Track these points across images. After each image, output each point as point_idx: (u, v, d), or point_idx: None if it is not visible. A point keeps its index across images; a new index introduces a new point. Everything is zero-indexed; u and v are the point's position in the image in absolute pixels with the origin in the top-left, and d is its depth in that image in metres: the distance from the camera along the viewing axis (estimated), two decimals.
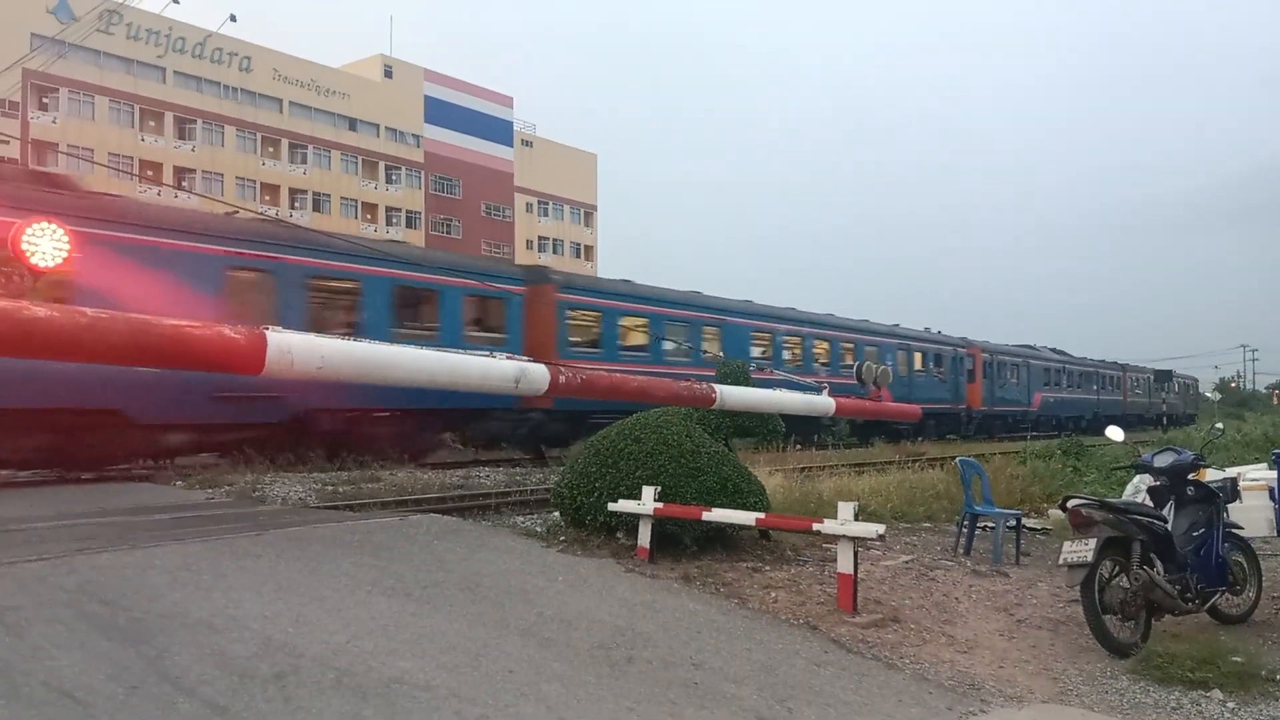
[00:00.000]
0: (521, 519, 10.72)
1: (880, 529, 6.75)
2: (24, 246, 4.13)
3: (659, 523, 8.05)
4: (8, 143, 42.81)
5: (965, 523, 9.77)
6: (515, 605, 6.14)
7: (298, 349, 4.76)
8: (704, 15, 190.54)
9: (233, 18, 61.71)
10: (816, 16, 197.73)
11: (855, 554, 6.75)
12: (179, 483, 12.69)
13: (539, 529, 9.48)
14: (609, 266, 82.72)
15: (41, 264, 4.19)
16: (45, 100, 51.97)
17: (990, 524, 10.49)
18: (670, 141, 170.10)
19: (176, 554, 6.88)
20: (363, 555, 7.25)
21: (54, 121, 51.54)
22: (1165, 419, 61.07)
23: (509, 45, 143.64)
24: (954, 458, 12.09)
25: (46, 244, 4.16)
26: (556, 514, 9.61)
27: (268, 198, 60.53)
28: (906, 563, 8.84)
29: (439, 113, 70.98)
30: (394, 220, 67.52)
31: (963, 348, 39.62)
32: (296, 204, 62.38)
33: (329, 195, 64.71)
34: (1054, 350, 50.12)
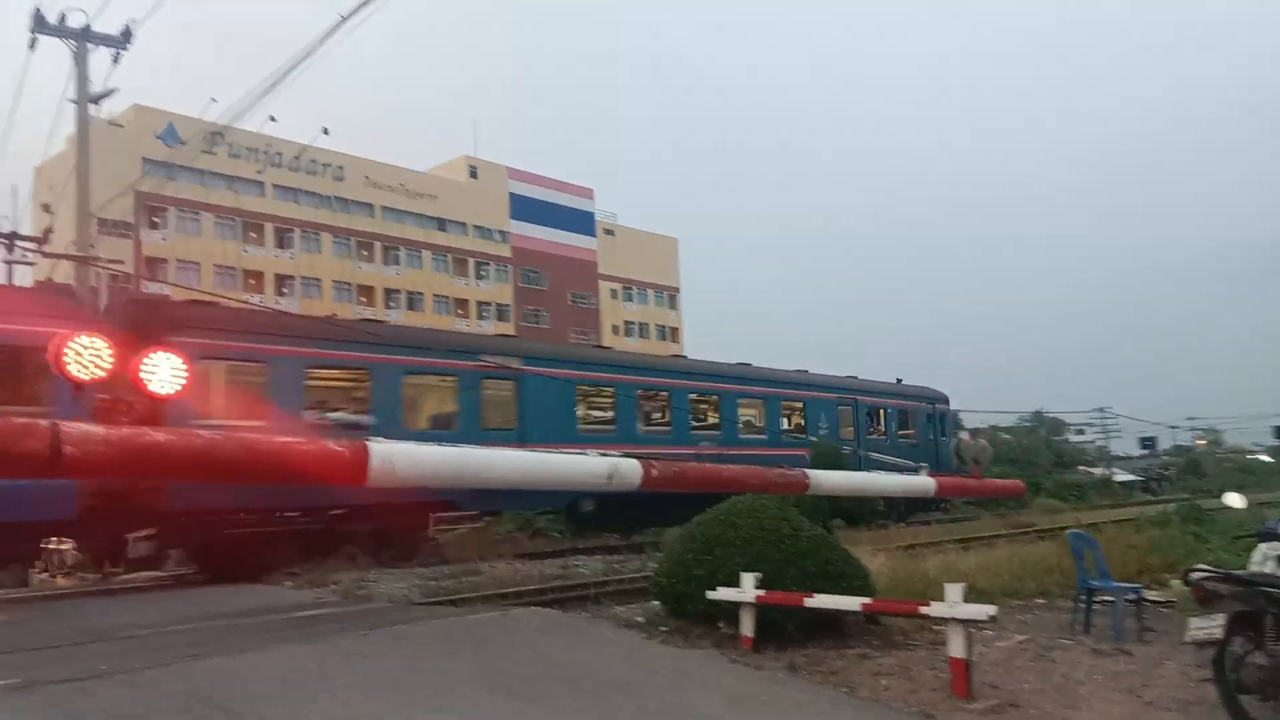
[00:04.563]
0: (621, 609, 10.63)
1: (992, 610, 6.53)
2: (142, 375, 4.37)
3: (761, 610, 7.92)
4: (122, 263, 45.41)
5: (1082, 599, 9.36)
6: (618, 699, 6.09)
7: (398, 457, 4.90)
8: (779, 100, 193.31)
9: (325, 131, 64.89)
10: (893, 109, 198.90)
11: (967, 637, 6.53)
12: (288, 583, 12.98)
13: (639, 619, 9.40)
14: (702, 347, 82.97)
15: (161, 390, 4.43)
16: (155, 219, 55.16)
17: (1109, 598, 10.02)
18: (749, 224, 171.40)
19: (285, 657, 7.03)
20: (466, 652, 7.30)
21: (164, 239, 54.62)
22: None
23: (585, 135, 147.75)
24: (1064, 529, 11.66)
25: (165, 371, 4.40)
26: (656, 603, 9.53)
27: (363, 299, 62.73)
28: (1021, 643, 8.49)
29: (523, 208, 73.16)
30: (485, 314, 69.22)
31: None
32: (391, 303, 64.47)
33: (422, 293, 66.83)
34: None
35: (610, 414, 21.29)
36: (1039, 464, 54.43)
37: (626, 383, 21.52)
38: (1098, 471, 55.38)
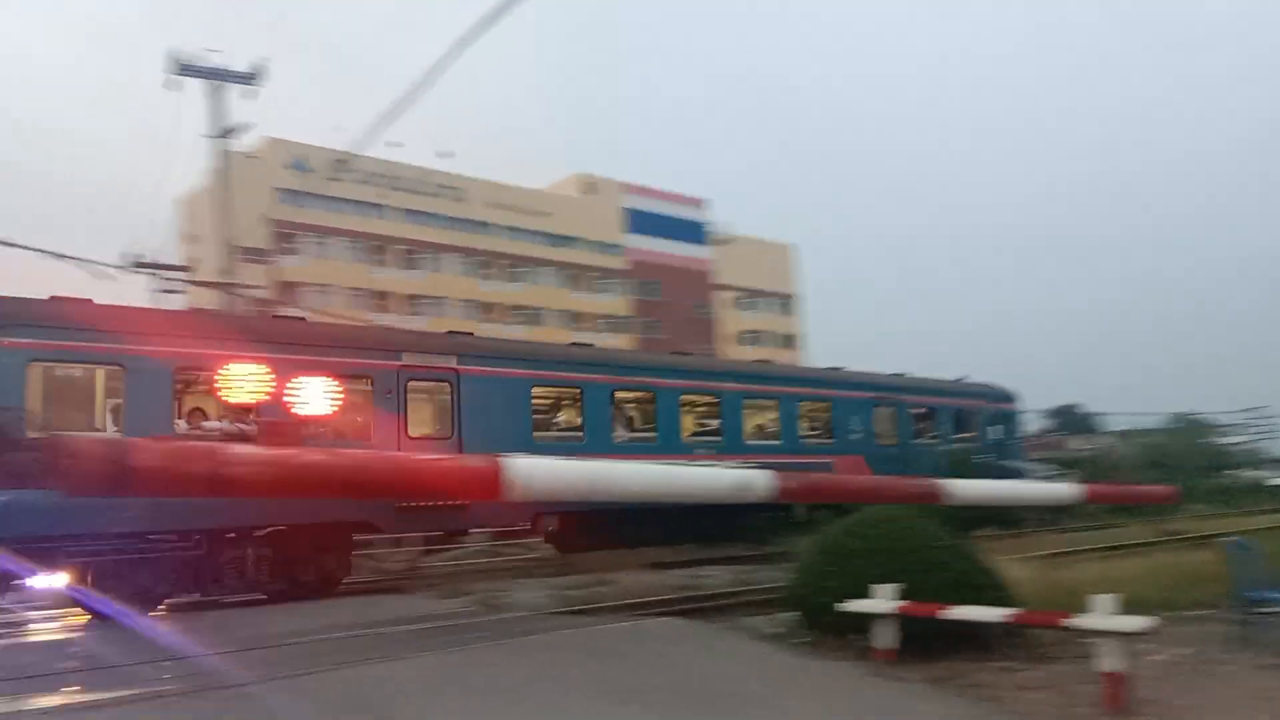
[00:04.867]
0: (753, 619, 10.56)
1: (1146, 623, 6.23)
2: (290, 398, 4.58)
3: (902, 622, 7.75)
4: (262, 288, 47.69)
5: (1243, 611, 8.82)
6: (755, 712, 6.05)
7: (530, 472, 5.00)
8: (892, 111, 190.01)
9: (448, 154, 67.03)
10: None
11: (1123, 651, 6.24)
12: (427, 594, 13.34)
13: (772, 630, 9.32)
14: (826, 355, 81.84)
15: (310, 413, 4.63)
16: (287, 245, 57.83)
17: (1273, 610, 9.42)
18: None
19: (428, 664, 7.26)
20: (597, 662, 7.38)
21: (298, 264, 57.22)
22: None
23: (695, 145, 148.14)
24: (1217, 536, 11.02)
25: (314, 393, 4.61)
26: (788, 614, 9.43)
27: (487, 315, 64.39)
28: (1177, 658, 8.07)
29: (638, 221, 73.88)
30: (603, 327, 70.05)
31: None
32: (512, 318, 65.97)
33: (541, 309, 68.21)
34: None
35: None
36: (1189, 468, 51.34)
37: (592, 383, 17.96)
38: (1248, 474, 52.15)
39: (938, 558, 8.33)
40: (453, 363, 15.47)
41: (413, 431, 14.63)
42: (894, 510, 8.85)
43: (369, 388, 14.15)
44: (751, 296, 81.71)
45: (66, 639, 10.59)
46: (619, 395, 18.42)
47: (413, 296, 62.09)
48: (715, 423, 20.04)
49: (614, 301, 72.15)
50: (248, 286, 28.74)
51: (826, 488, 6.50)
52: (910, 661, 7.60)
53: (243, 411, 12.25)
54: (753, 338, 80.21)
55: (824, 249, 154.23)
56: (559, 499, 5.26)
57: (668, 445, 18.40)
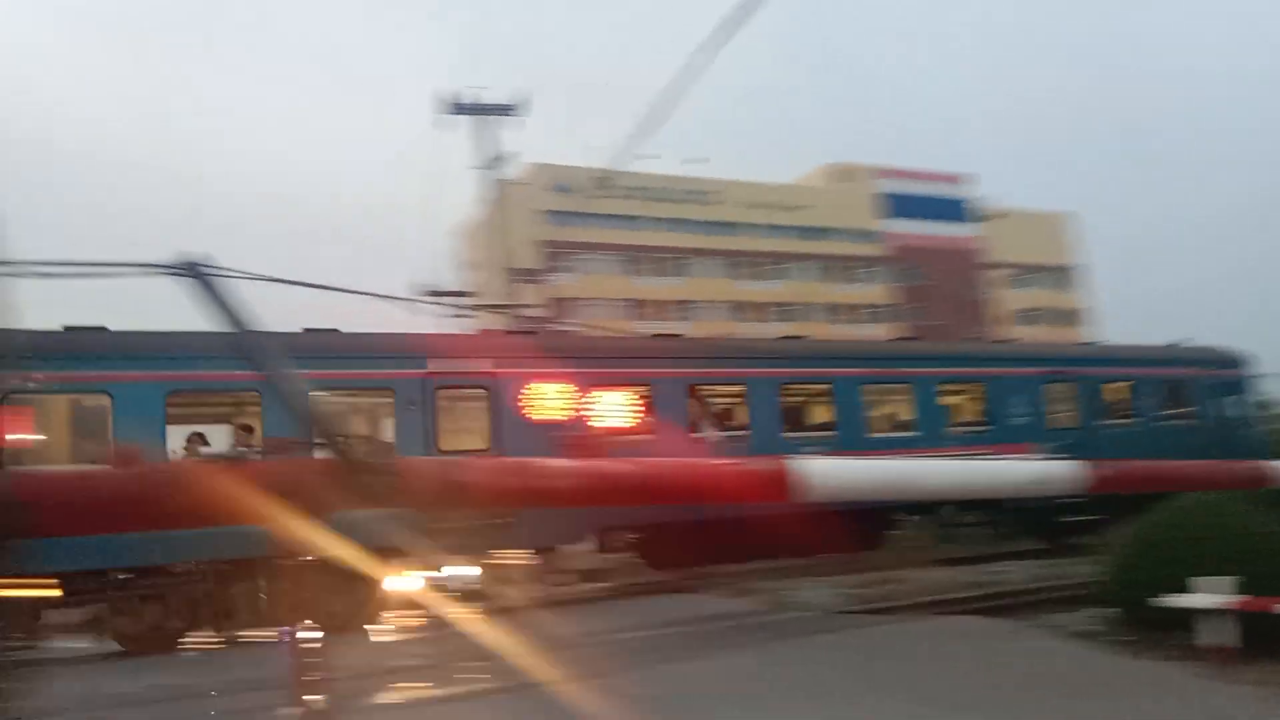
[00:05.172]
0: (1059, 616, 9.96)
1: None
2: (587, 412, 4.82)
3: (1242, 619, 7.03)
4: (538, 307, 50.65)
5: None
6: (1079, 709, 5.71)
7: (823, 472, 4.98)
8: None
9: (701, 160, 68.28)
10: None
11: None
12: (713, 594, 13.55)
13: (1082, 627, 8.76)
14: (1116, 330, 75.62)
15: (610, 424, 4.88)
16: (556, 264, 61.01)
17: None
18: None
19: (724, 663, 7.44)
20: (900, 662, 7.25)
21: (565, 281, 60.26)
22: None
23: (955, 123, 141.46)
24: None
25: (612, 407, 4.85)
26: (1098, 610, 8.83)
27: (748, 315, 64.80)
28: None
29: (896, 205, 71.62)
30: (868, 317, 68.53)
31: None
32: (774, 316, 65.97)
33: (802, 305, 67.75)
34: None
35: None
36: None
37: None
38: None
39: (1271, 546, 7.50)
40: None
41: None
42: (1223, 497, 8.04)
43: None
44: (1027, 273, 76.96)
45: (404, 638, 11.63)
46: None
47: (679, 302, 63.71)
48: (825, 414, 17.24)
49: (873, 290, 70.31)
50: (525, 306, 30.57)
51: (1138, 475, 5.97)
52: (1260, 662, 6.84)
53: (245, 433, 11.94)
54: (1030, 316, 75.53)
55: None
56: (846, 499, 5.19)
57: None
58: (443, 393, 12.95)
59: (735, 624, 10.41)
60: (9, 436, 9.09)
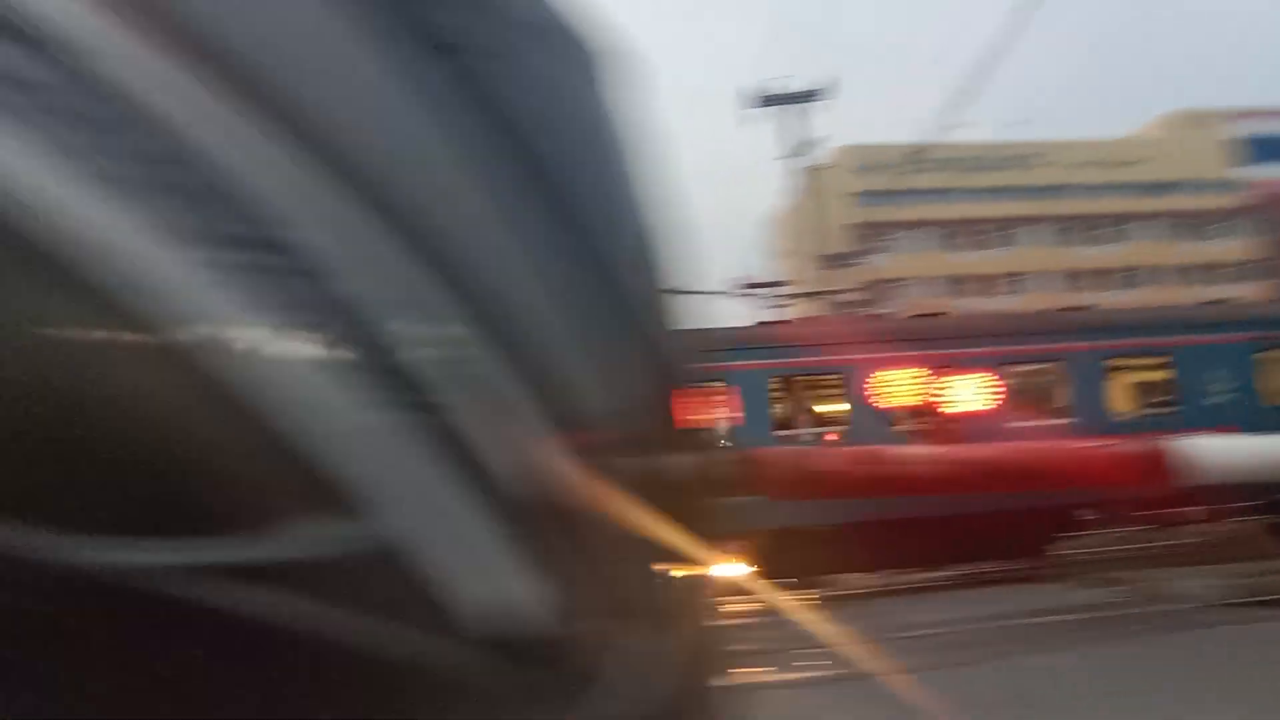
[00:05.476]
0: None
1: None
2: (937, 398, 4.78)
3: None
4: (854, 291, 49.99)
5: None
6: None
7: (1209, 452, 4.63)
8: None
9: (1024, 122, 64.07)
10: None
11: None
12: (1065, 584, 12.76)
13: None
14: None
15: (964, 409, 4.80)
16: (870, 245, 59.59)
17: None
18: None
19: (1084, 658, 7.06)
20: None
21: (881, 262, 58.72)
22: None
23: None
24: None
25: (967, 391, 4.77)
26: None
27: (1085, 284, 60.01)
28: None
29: (1258, 149, 63.18)
30: (1230, 276, 61.10)
31: None
32: (1109, 283, 60.63)
33: (1147, 268, 61.73)
34: None
35: None
36: None
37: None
38: None
39: None
40: None
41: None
42: None
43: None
44: None
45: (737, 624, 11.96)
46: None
47: (1007, 275, 60.30)
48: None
49: (1232, 246, 62.45)
50: (842, 291, 30.27)
51: None
52: None
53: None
54: None
55: None
56: (1235, 480, 4.79)
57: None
58: None
59: (1093, 616, 9.76)
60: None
